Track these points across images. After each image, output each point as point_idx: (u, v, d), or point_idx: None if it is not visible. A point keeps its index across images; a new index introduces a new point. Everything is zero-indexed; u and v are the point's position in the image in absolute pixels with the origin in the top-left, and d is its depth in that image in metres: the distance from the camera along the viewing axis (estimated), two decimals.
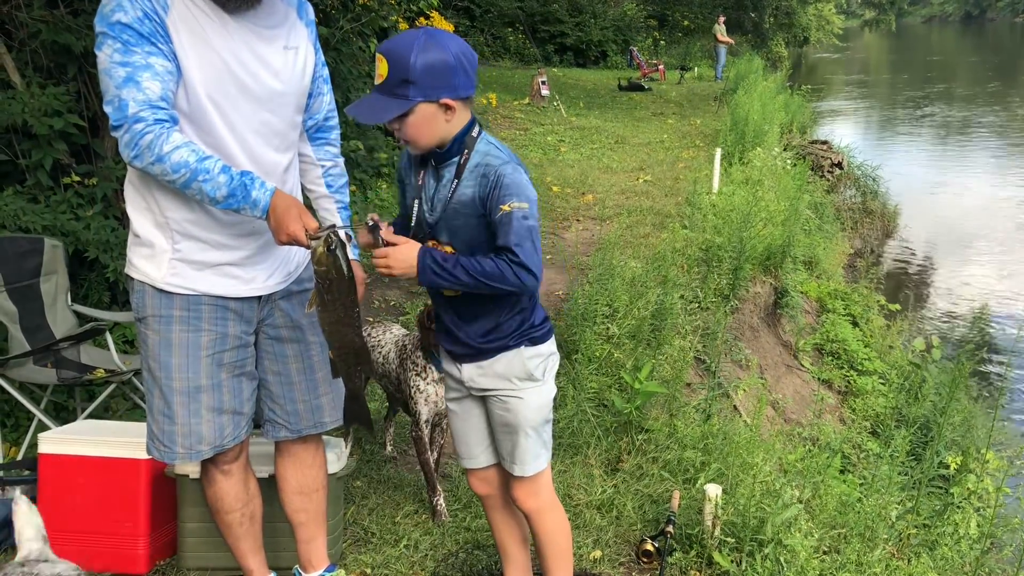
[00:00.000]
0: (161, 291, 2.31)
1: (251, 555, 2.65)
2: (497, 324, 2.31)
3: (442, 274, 2.16)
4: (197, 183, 2.10)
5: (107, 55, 2.09)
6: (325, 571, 2.75)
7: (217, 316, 2.35)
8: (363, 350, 2.34)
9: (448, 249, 2.26)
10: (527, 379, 2.35)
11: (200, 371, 2.34)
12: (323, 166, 2.60)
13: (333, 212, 2.62)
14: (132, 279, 2.36)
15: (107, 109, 2.10)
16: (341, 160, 2.66)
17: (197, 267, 2.31)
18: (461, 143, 2.20)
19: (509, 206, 2.12)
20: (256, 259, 2.38)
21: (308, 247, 2.15)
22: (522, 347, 2.33)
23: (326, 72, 2.54)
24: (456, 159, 2.22)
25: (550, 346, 2.41)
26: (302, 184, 2.59)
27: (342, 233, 2.18)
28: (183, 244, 2.29)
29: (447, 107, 2.13)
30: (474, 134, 2.22)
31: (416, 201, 2.32)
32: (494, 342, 2.33)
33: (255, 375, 2.49)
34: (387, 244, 2.22)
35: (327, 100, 2.56)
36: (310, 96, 2.48)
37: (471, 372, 2.39)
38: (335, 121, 2.62)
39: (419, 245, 2.20)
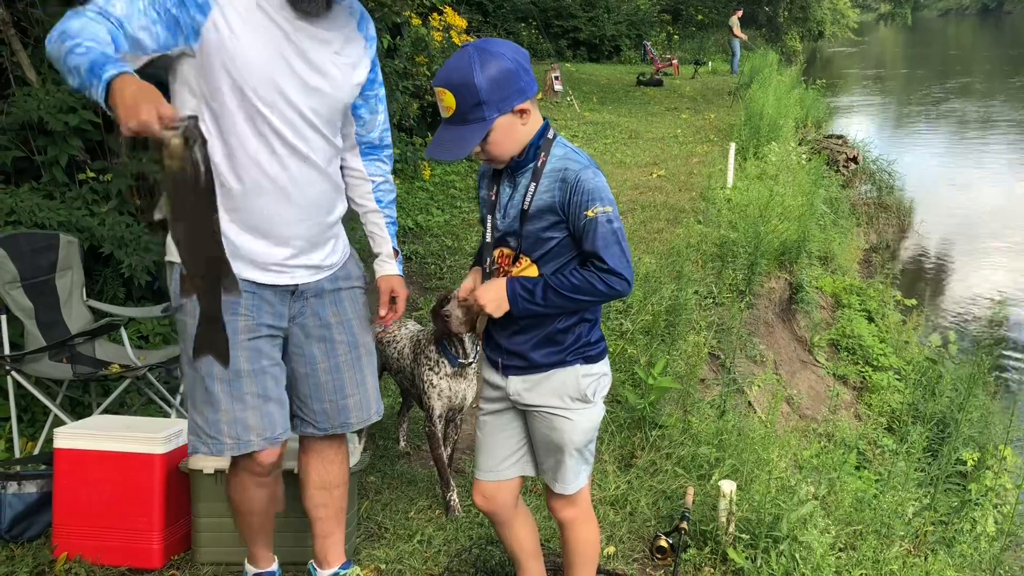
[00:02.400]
0: None
1: (262, 547, 2.67)
2: (553, 335, 2.22)
3: (532, 299, 2.13)
4: (74, 56, 1.88)
5: None
6: (341, 568, 2.75)
7: (254, 304, 2.31)
8: (224, 262, 2.01)
9: (525, 263, 2.21)
10: (579, 399, 2.26)
11: (239, 356, 2.27)
12: (374, 181, 2.59)
13: (382, 227, 2.61)
14: (173, 264, 2.30)
15: None
16: (391, 177, 2.65)
17: (231, 252, 2.18)
18: (537, 147, 2.17)
19: (593, 211, 2.08)
20: (297, 257, 2.36)
21: (161, 138, 1.80)
22: (577, 364, 2.25)
23: (382, 92, 2.53)
24: (532, 164, 2.18)
25: (603, 366, 2.33)
26: (351, 198, 2.58)
27: (203, 127, 1.95)
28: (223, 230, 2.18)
29: (522, 112, 2.11)
30: (549, 136, 2.19)
31: (489, 216, 2.28)
32: (551, 356, 2.24)
33: (284, 368, 2.46)
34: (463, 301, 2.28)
35: (382, 119, 2.55)
36: (364, 110, 2.49)
37: (518, 386, 2.29)
38: (389, 141, 2.62)
39: (503, 280, 2.19)
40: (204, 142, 1.85)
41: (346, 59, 2.34)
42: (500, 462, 2.42)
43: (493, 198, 2.27)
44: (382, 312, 2.57)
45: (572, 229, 2.13)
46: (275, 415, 2.36)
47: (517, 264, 2.23)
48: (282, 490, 2.60)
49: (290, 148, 2.26)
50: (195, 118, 1.85)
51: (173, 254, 2.29)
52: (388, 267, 2.62)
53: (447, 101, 2.08)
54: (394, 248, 2.62)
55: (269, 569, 2.71)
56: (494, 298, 2.16)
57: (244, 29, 2.15)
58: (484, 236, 2.31)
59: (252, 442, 2.32)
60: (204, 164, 1.85)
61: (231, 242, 2.24)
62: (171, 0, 2.08)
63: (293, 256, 2.35)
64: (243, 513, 2.56)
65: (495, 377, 2.36)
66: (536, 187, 2.16)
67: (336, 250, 2.50)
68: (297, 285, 2.40)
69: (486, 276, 2.32)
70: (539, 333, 2.23)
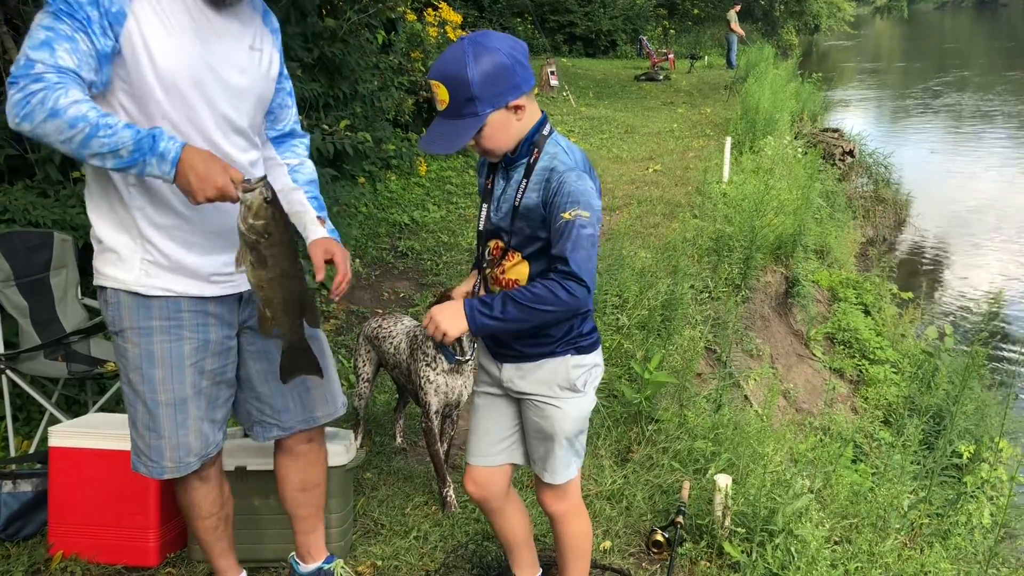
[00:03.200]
0: (138, 298, 2.21)
1: (224, 556, 2.64)
2: (544, 330, 2.22)
3: (491, 312, 2.07)
4: (98, 139, 1.90)
5: (37, 21, 1.95)
6: (324, 562, 2.75)
7: (198, 323, 2.28)
8: (310, 296, 2.21)
9: (515, 259, 2.21)
10: (568, 389, 2.29)
11: (185, 382, 2.28)
12: (288, 164, 2.54)
13: (304, 202, 2.50)
14: (104, 289, 2.25)
15: (12, 70, 1.91)
16: (310, 163, 2.60)
17: (170, 269, 2.22)
18: (531, 143, 2.17)
19: (570, 214, 2.05)
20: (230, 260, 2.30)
21: (237, 200, 1.97)
22: (568, 355, 2.27)
23: (289, 85, 2.50)
24: (526, 160, 2.17)
25: (595, 357, 2.35)
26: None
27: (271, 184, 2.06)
28: (154, 246, 2.19)
29: (517, 108, 2.10)
30: (545, 132, 2.18)
31: (484, 206, 2.28)
32: (541, 348, 2.26)
33: (233, 383, 2.44)
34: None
35: (293, 113, 2.54)
36: (275, 105, 2.46)
37: (510, 373, 2.33)
38: (301, 131, 2.59)
39: (459, 301, 2.13)
40: (276, 197, 2.02)
41: (260, 52, 2.31)
42: (491, 446, 2.45)
43: (489, 187, 2.27)
44: (319, 276, 2.38)
45: (550, 230, 2.11)
46: (209, 434, 2.37)
47: (507, 258, 2.23)
48: (228, 488, 2.59)
49: (222, 154, 2.21)
50: (264, 177, 2.03)
51: (103, 278, 2.24)
52: (315, 231, 2.45)
53: (441, 94, 2.07)
54: (319, 216, 2.49)
55: None
56: (450, 318, 2.10)
57: (158, 31, 2.07)
58: (479, 224, 2.31)
59: (191, 464, 2.36)
60: (283, 217, 2.04)
61: (172, 260, 2.22)
62: (95, 27, 1.99)
63: (233, 266, 2.29)
64: (197, 518, 2.53)
65: (490, 364, 2.40)
66: (527, 183, 2.16)
67: None
68: (242, 293, 2.38)
69: (481, 268, 2.33)
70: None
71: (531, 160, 2.16)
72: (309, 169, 2.58)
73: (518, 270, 2.22)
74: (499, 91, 2.05)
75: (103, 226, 2.21)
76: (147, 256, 2.20)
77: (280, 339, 2.23)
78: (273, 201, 2.01)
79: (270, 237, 2.02)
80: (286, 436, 2.56)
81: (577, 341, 2.27)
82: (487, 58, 2.03)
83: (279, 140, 2.54)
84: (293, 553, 2.78)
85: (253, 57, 2.29)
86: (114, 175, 2.14)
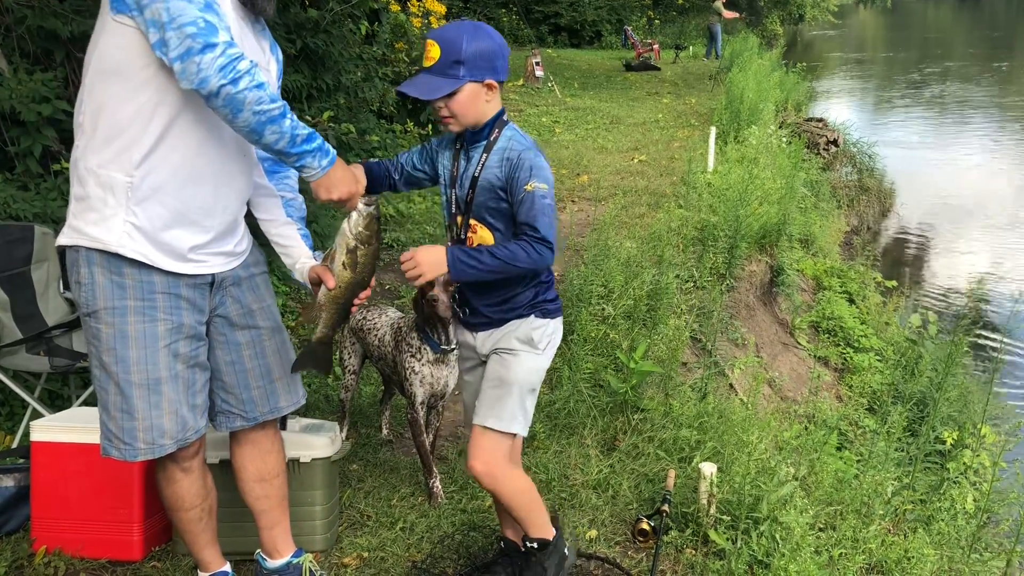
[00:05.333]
0: (114, 274, 2.21)
1: (208, 547, 2.63)
2: (513, 295, 2.48)
3: (471, 262, 2.30)
4: (289, 119, 2.11)
5: None
6: (292, 556, 2.73)
7: (171, 305, 2.29)
8: (355, 296, 2.43)
9: (480, 229, 2.45)
10: (527, 343, 2.50)
11: (159, 362, 2.28)
12: (284, 197, 2.60)
13: (298, 239, 2.59)
14: (77, 251, 2.23)
15: (184, 31, 1.98)
16: (301, 197, 2.66)
17: (150, 239, 2.22)
18: (491, 126, 2.43)
19: (531, 186, 2.32)
20: (214, 243, 2.36)
21: (356, 210, 2.31)
22: (531, 316, 2.51)
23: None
24: (485, 140, 2.43)
25: (556, 324, 2.57)
26: (259, 217, 2.59)
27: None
28: (142, 210, 2.19)
29: (490, 87, 2.37)
30: (504, 118, 2.46)
31: (451, 190, 2.52)
32: (508, 313, 2.50)
33: (207, 366, 2.45)
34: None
35: None
36: None
37: (484, 341, 2.56)
38: None
39: (442, 246, 2.34)
40: (380, 215, 2.37)
41: (267, 74, 2.41)
42: None
43: (455, 173, 2.51)
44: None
45: (511, 201, 2.37)
46: (187, 418, 2.36)
47: (471, 229, 2.45)
48: (211, 480, 2.59)
49: (236, 138, 2.30)
50: (377, 197, 2.40)
51: (80, 235, 2.22)
52: (308, 262, 2.56)
53: (432, 52, 2.32)
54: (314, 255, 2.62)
55: (222, 570, 2.68)
56: (431, 261, 2.31)
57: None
58: (449, 209, 2.54)
59: (166, 446, 2.34)
60: (380, 234, 2.38)
61: (155, 227, 2.22)
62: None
63: (211, 242, 2.34)
64: (180, 510, 2.53)
65: (468, 338, 2.62)
66: (487, 157, 2.42)
67: (245, 236, 2.52)
68: (215, 275, 2.40)
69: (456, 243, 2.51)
70: (503, 294, 2.48)
71: (491, 139, 2.43)
72: (300, 203, 2.66)
73: (483, 237, 2.45)
74: (482, 66, 2.33)
75: (94, 184, 2.18)
76: (131, 219, 2.20)
77: (315, 332, 2.44)
78: (379, 218, 2.36)
79: (368, 247, 2.33)
80: (249, 427, 2.58)
81: (541, 305, 2.52)
82: (484, 38, 2.33)
83: (272, 166, 2.57)
84: (259, 550, 2.75)
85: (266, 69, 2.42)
86: (136, 135, 2.15)
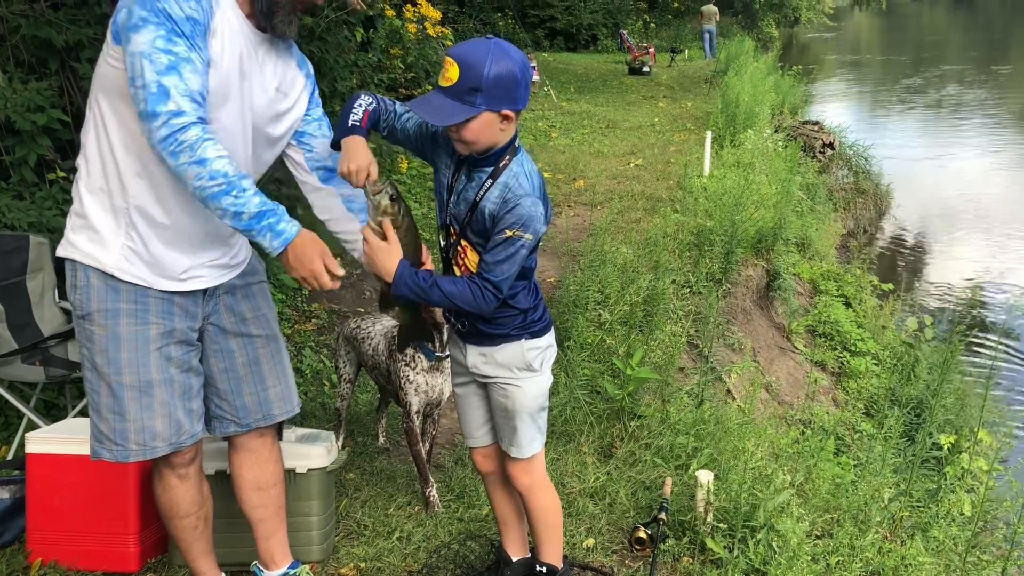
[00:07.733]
0: (108, 280, 2.26)
1: (203, 557, 2.63)
2: (503, 316, 2.44)
3: (416, 288, 2.27)
4: (230, 197, 2.05)
5: (148, 39, 2.03)
6: (289, 567, 2.73)
7: (164, 310, 2.32)
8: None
9: (468, 249, 2.38)
10: (526, 369, 2.50)
11: (150, 365, 2.30)
12: (343, 195, 2.58)
13: (357, 232, 2.56)
14: (74, 265, 2.28)
15: (139, 93, 2.03)
16: (361, 193, 2.63)
17: (147, 262, 2.28)
18: (501, 155, 2.31)
19: (513, 232, 2.24)
20: (208, 261, 2.39)
21: (368, 201, 2.29)
22: (523, 340, 2.48)
23: (327, 121, 2.57)
24: (493, 166, 2.32)
25: (548, 339, 2.56)
26: (320, 219, 2.61)
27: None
28: (139, 236, 2.25)
29: (506, 117, 2.23)
30: (516, 144, 2.35)
31: (447, 198, 2.43)
32: (497, 329, 2.47)
33: (201, 371, 2.46)
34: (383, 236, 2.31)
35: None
36: (315, 140, 2.53)
37: (475, 359, 2.53)
38: None
39: (400, 256, 2.29)
40: (399, 194, 2.31)
41: (285, 97, 2.43)
42: (476, 429, 2.69)
43: (452, 184, 2.41)
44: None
45: (489, 238, 2.29)
46: (182, 422, 2.37)
47: (461, 251, 2.40)
48: (208, 488, 2.59)
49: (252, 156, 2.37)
50: (389, 180, 2.31)
51: (76, 251, 2.28)
52: None
53: (451, 72, 2.18)
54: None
55: None
56: (382, 261, 2.28)
57: (225, 46, 2.20)
58: (439, 209, 2.48)
59: (159, 448, 2.35)
60: (407, 212, 2.34)
61: (152, 254, 2.28)
62: (199, 41, 2.12)
63: (205, 262, 2.38)
64: (175, 518, 2.53)
65: (457, 351, 2.62)
66: (491, 185, 2.31)
67: (242, 248, 2.53)
68: (207, 288, 2.42)
69: (444, 254, 2.50)
70: (492, 314, 2.41)
71: (499, 166, 2.31)
72: (362, 197, 2.61)
73: (471, 260, 2.39)
74: (501, 95, 2.19)
75: (93, 202, 2.25)
76: (129, 243, 2.25)
77: (395, 318, 2.52)
78: (397, 198, 2.29)
79: (400, 229, 2.30)
80: (242, 432, 2.58)
81: (531, 327, 2.49)
82: (505, 62, 2.17)
83: (327, 174, 2.56)
84: (255, 561, 2.75)
85: (276, 98, 2.39)
86: (130, 161, 2.19)
